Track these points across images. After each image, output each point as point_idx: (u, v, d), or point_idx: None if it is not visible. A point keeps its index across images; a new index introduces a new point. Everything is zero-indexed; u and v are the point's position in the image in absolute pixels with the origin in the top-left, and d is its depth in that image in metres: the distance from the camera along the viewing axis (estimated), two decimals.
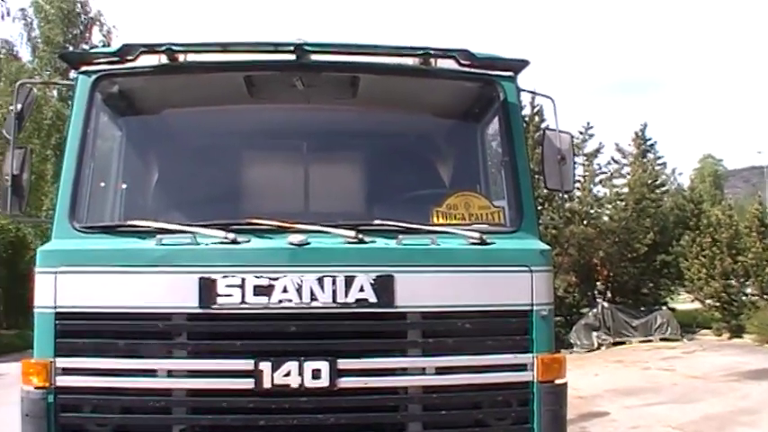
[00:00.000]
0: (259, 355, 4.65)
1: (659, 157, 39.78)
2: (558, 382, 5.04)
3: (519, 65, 5.54)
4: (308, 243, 4.79)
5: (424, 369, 4.87)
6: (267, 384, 4.63)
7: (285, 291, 4.66)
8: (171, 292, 4.72)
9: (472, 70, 5.45)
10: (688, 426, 13.78)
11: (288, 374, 4.63)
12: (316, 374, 4.65)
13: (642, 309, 33.11)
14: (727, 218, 32.93)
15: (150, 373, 4.75)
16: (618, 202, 36.05)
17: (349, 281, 4.71)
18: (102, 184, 5.87)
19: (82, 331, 4.78)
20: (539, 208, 5.39)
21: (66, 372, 4.76)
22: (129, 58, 5.26)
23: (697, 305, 36.15)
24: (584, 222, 33.70)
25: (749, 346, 27.94)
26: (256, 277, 4.67)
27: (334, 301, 4.69)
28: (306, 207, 5.80)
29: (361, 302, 4.72)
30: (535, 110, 28.14)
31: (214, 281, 4.67)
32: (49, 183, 36.65)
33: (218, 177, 6.00)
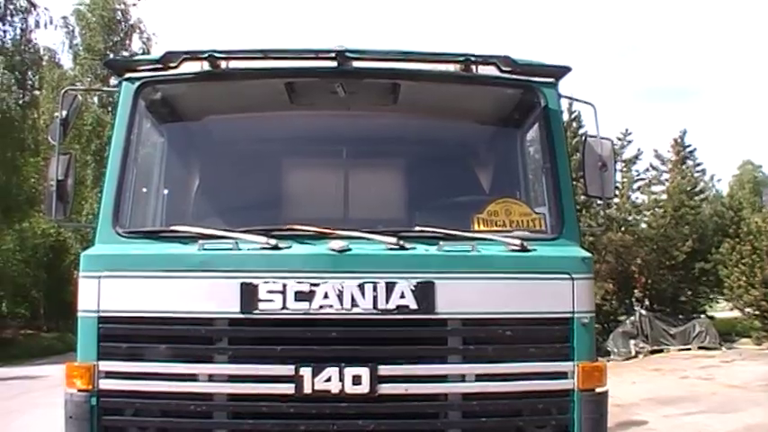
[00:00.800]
0: (300, 360, 4.67)
1: (698, 164, 39.41)
2: (598, 390, 4.99)
3: (560, 71, 5.51)
4: (349, 249, 4.80)
5: (464, 376, 4.85)
6: (308, 390, 4.64)
7: (326, 297, 4.68)
8: (212, 297, 4.76)
9: (513, 77, 5.43)
10: None
11: (328, 380, 4.64)
12: (356, 380, 4.65)
13: (680, 317, 32.76)
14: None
15: (191, 377, 4.79)
16: (656, 209, 35.80)
17: (390, 287, 4.71)
18: (145, 190, 5.94)
19: (124, 335, 4.83)
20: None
21: (109, 375, 4.81)
22: (172, 64, 5.29)
23: (736, 313, 35.68)
24: (622, 229, 33.48)
25: None
26: (298, 283, 4.69)
27: (374, 307, 4.70)
28: (345, 213, 5.80)
29: (401, 309, 4.72)
30: (572, 116, 28.01)
31: (256, 286, 4.69)
32: (89, 188, 37.22)
33: (259, 183, 6.03)
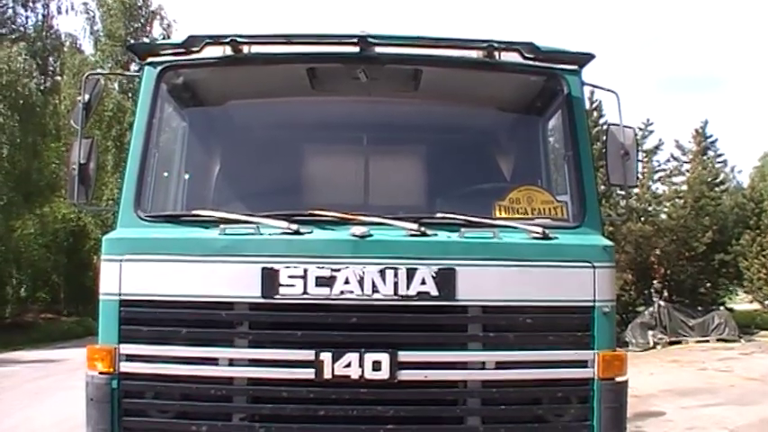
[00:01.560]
0: (320, 345, 4.68)
1: (719, 155, 39.13)
2: (618, 379, 4.97)
3: (584, 58, 5.48)
4: (371, 235, 4.80)
5: (483, 363, 4.85)
6: (327, 375, 4.66)
7: (347, 282, 4.68)
8: (233, 282, 4.77)
9: (536, 64, 5.40)
10: (745, 428, 13.54)
11: (348, 365, 4.65)
12: (376, 366, 4.65)
13: (699, 308, 32.60)
14: None
15: (212, 361, 4.81)
16: (676, 200, 35.60)
17: (411, 273, 4.71)
18: (166, 174, 5.95)
19: (146, 319, 4.85)
20: None
21: (130, 358, 4.84)
22: (195, 49, 5.30)
23: (756, 306, 35.52)
24: (642, 220, 33.34)
25: None
26: (318, 268, 4.69)
27: (395, 293, 4.69)
28: (366, 200, 5.79)
29: (422, 295, 4.71)
30: (593, 105, 27.85)
31: (277, 271, 4.70)
32: (110, 173, 37.41)
33: (280, 169, 6.03)
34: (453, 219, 5.01)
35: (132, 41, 35.54)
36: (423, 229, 4.87)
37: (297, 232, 4.82)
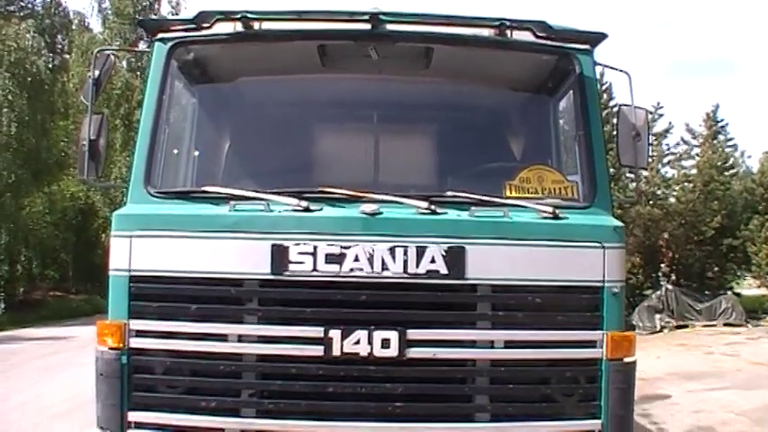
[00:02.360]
0: (329, 322, 4.68)
1: (730, 139, 38.97)
2: (627, 360, 4.97)
3: (596, 38, 5.44)
4: (381, 213, 4.80)
5: (492, 342, 4.85)
6: (336, 352, 4.66)
7: (357, 260, 4.68)
8: (243, 258, 4.77)
9: (548, 42, 5.37)
10: (752, 413, 13.52)
11: (357, 343, 4.66)
12: (385, 344, 4.66)
13: (707, 293, 32.57)
14: None
15: (221, 337, 4.82)
16: (686, 184, 35.50)
17: (420, 251, 4.70)
18: (176, 151, 5.95)
19: (155, 294, 4.85)
20: None
21: (140, 334, 4.85)
22: (205, 25, 5.29)
23: (763, 291, 35.45)
24: (651, 203, 33.25)
25: None
26: (328, 245, 4.69)
27: (405, 271, 4.69)
28: (376, 178, 5.77)
29: (431, 273, 4.71)
30: (604, 87, 27.73)
31: (286, 248, 4.70)
32: (118, 152, 37.45)
33: (290, 146, 6.01)
34: (463, 197, 5.00)
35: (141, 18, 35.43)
36: (433, 207, 4.86)
37: (307, 209, 4.81)
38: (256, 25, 5.30)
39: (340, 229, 4.76)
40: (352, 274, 4.68)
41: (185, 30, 5.43)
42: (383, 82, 5.96)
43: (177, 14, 42.16)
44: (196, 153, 6.15)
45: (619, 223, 5.14)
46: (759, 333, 28.22)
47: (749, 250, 34.44)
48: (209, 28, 5.30)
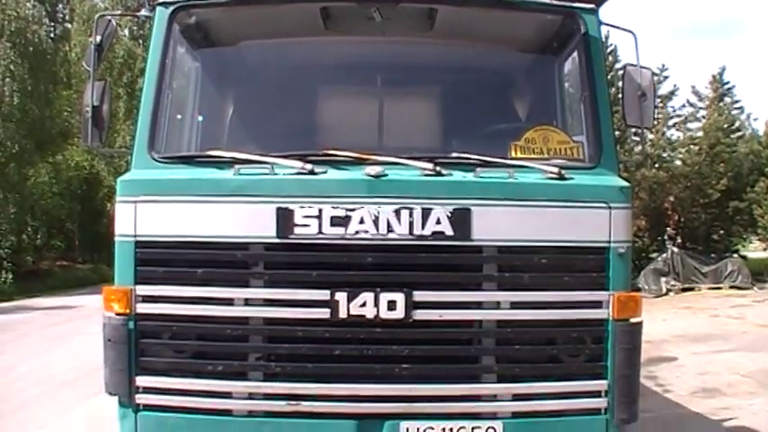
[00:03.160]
0: (335, 285, 4.68)
1: (736, 101, 38.76)
2: (633, 320, 4.96)
3: None
4: (386, 175, 4.77)
5: (498, 303, 4.84)
6: (343, 314, 4.66)
7: (362, 222, 4.66)
8: (248, 222, 4.75)
9: (553, 2, 5.34)
10: (757, 374, 13.59)
11: (363, 305, 4.65)
12: (391, 306, 4.65)
13: (712, 255, 32.60)
14: None
15: (227, 301, 4.82)
16: (691, 147, 35.40)
17: (426, 213, 4.68)
18: (180, 116, 5.92)
19: (161, 260, 4.85)
20: None
21: (146, 299, 4.86)
22: None
23: None
24: (656, 166, 33.17)
25: None
26: (333, 208, 4.67)
27: (410, 233, 4.67)
28: (380, 141, 5.74)
29: (437, 235, 4.69)
30: (609, 50, 27.55)
31: (291, 211, 4.68)
32: (121, 120, 37.39)
33: (293, 110, 5.98)
34: (469, 159, 4.96)
35: None
36: (438, 168, 4.83)
37: (311, 172, 4.79)
38: None
39: (345, 191, 4.74)
40: (358, 236, 4.67)
41: None
42: (387, 44, 5.90)
43: None
44: (200, 118, 6.13)
45: (625, 183, 5.11)
46: (765, 296, 28.29)
47: (755, 213, 34.40)
48: None
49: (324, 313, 4.69)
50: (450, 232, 4.69)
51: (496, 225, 4.77)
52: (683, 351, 16.39)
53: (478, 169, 4.90)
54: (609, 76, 20.57)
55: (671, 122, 37.32)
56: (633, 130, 25.04)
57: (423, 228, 4.67)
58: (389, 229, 4.66)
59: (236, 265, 4.83)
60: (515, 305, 4.83)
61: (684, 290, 30.12)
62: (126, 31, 40.98)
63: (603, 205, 4.89)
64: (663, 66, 35.08)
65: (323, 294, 4.69)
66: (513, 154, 5.18)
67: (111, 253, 4.98)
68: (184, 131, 6.05)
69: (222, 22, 5.81)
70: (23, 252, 37.69)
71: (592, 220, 4.88)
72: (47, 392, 12.26)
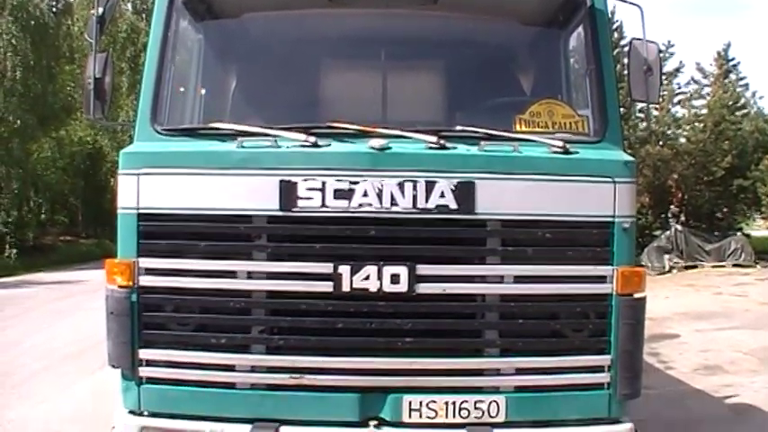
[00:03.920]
0: (338, 258, 4.66)
1: (741, 78, 38.59)
2: (637, 295, 4.94)
3: None
4: (389, 148, 4.73)
5: (502, 277, 4.82)
6: (346, 288, 4.65)
7: (365, 195, 4.63)
8: (252, 195, 4.73)
9: None
10: (759, 351, 13.64)
11: (367, 278, 4.64)
12: (394, 279, 4.64)
13: (716, 233, 32.63)
14: None
15: (230, 274, 4.80)
16: (696, 124, 35.32)
17: (429, 186, 4.65)
18: (183, 89, 5.89)
19: (164, 232, 4.83)
20: None
21: (149, 272, 4.85)
22: None
23: None
24: (661, 143, 33.08)
25: None
26: (337, 181, 4.64)
27: (414, 206, 4.65)
28: (384, 114, 5.70)
29: (441, 208, 4.66)
30: (615, 25, 27.40)
31: (295, 184, 4.66)
32: (124, 95, 37.32)
33: (297, 82, 5.93)
34: (473, 132, 4.92)
35: None
36: (442, 142, 4.80)
37: (315, 145, 4.76)
38: None
39: (348, 164, 4.71)
40: (361, 209, 4.64)
41: None
42: (390, 17, 5.83)
43: None
44: (203, 91, 6.09)
45: (629, 158, 5.08)
46: None
47: (759, 191, 34.35)
48: None
49: (327, 286, 4.68)
50: (453, 206, 4.67)
51: (500, 199, 4.74)
52: (685, 328, 16.44)
53: (483, 143, 4.86)
54: (615, 53, 20.56)
55: (676, 99, 37.22)
56: (638, 107, 25.02)
57: (426, 201, 4.65)
58: (393, 203, 4.64)
59: (238, 238, 4.82)
60: (519, 279, 4.82)
61: (687, 267, 30.15)
62: (129, 5, 40.80)
63: (608, 180, 4.86)
64: (669, 42, 34.94)
65: (326, 267, 4.67)
66: (518, 128, 5.16)
67: (115, 228, 4.95)
68: (187, 104, 6.01)
69: None
70: (27, 227, 37.79)
71: (596, 194, 4.85)
72: (50, 367, 12.33)
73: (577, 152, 4.94)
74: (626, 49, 5.89)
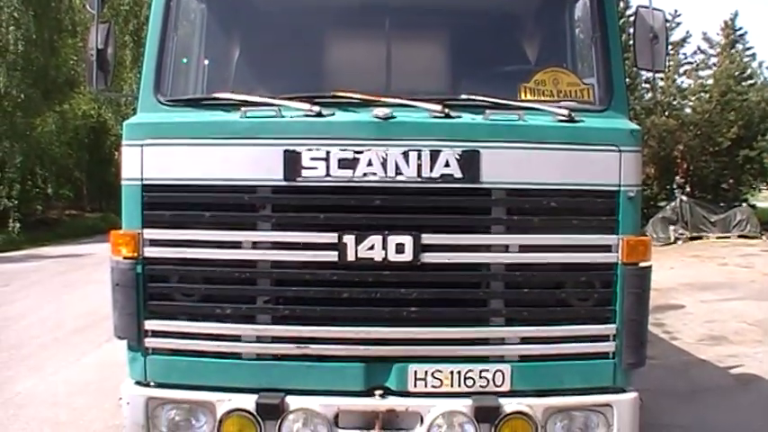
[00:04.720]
0: (343, 228, 4.64)
1: (748, 48, 38.30)
2: (642, 264, 4.92)
3: None
4: (394, 117, 4.70)
5: (507, 246, 4.81)
6: (351, 257, 4.64)
7: (370, 164, 4.60)
8: (256, 165, 4.71)
9: None
10: (764, 322, 13.69)
11: (371, 248, 4.63)
12: (399, 249, 4.63)
13: (721, 204, 32.57)
14: None
15: (235, 244, 4.80)
16: (702, 94, 35.10)
17: (434, 155, 4.62)
18: (185, 60, 5.85)
19: (168, 203, 4.82)
20: None
21: (154, 243, 4.84)
22: None
23: None
24: (666, 114, 32.94)
25: None
26: (341, 150, 4.61)
27: (418, 175, 4.62)
28: (389, 83, 5.66)
29: (445, 177, 4.64)
30: None
31: (299, 153, 4.64)
32: (128, 69, 37.20)
33: (300, 52, 5.87)
34: (478, 101, 4.89)
35: None
36: (447, 110, 4.77)
37: (319, 114, 4.73)
38: None
39: (353, 133, 4.67)
40: (366, 178, 4.62)
41: None
42: None
43: None
44: (206, 61, 6.06)
45: (635, 126, 5.04)
46: None
47: (765, 162, 34.25)
48: None
49: (332, 256, 4.67)
50: (458, 174, 4.64)
51: (505, 167, 4.71)
52: (690, 299, 16.46)
53: (488, 111, 4.83)
54: (620, 23, 20.43)
55: (682, 70, 37.00)
56: (644, 77, 24.90)
57: (431, 170, 4.62)
58: (398, 172, 4.61)
59: (243, 208, 4.81)
60: (524, 248, 4.80)
61: (692, 239, 30.13)
62: None
63: (614, 148, 4.82)
64: (675, 11, 34.69)
65: (331, 237, 4.66)
66: (523, 96, 5.12)
67: (120, 201, 4.94)
68: (190, 75, 5.98)
69: None
70: (32, 201, 37.84)
71: (602, 162, 4.82)
72: (58, 339, 12.43)
73: (583, 121, 4.91)
74: (632, 18, 5.82)
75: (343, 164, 4.61)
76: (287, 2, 6.06)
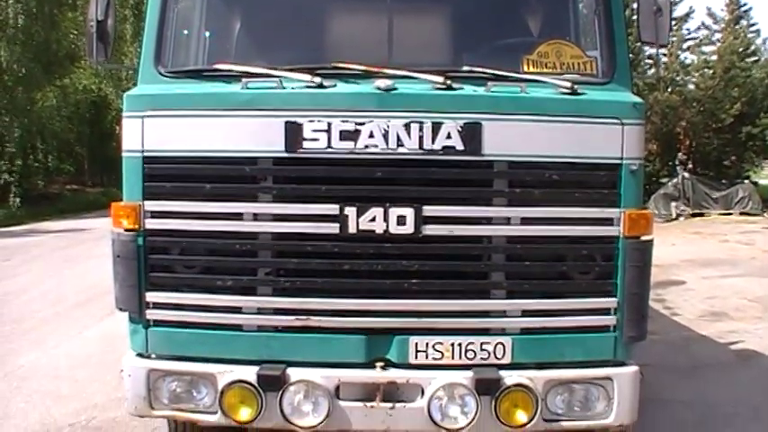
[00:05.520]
0: (344, 200, 4.63)
1: (753, 24, 38.11)
2: (644, 238, 4.91)
3: None
4: (395, 88, 4.67)
5: (508, 219, 4.79)
6: (352, 229, 4.63)
7: (371, 136, 4.57)
8: (257, 136, 4.69)
9: None
10: (764, 299, 13.74)
11: (373, 220, 4.61)
12: (401, 221, 4.62)
13: (723, 181, 32.55)
14: None
15: (236, 216, 4.79)
16: (705, 70, 34.93)
17: (436, 127, 4.60)
18: (186, 30, 5.81)
19: (169, 175, 4.80)
20: None
21: (155, 215, 4.83)
22: None
23: None
24: (669, 90, 32.81)
25: None
26: (342, 122, 4.58)
27: (420, 147, 4.59)
28: (390, 54, 5.61)
29: (447, 150, 4.61)
30: None
31: (300, 125, 4.61)
32: (128, 43, 37.04)
33: (301, 23, 5.82)
34: (480, 72, 4.86)
35: None
36: (449, 82, 4.74)
37: (320, 86, 4.71)
38: None
39: (354, 104, 4.65)
40: (367, 150, 4.59)
41: None
42: None
43: None
44: (206, 32, 6.01)
45: (638, 99, 5.01)
46: None
47: None
48: None
49: (333, 228, 4.66)
50: (460, 147, 4.62)
51: (508, 140, 4.69)
52: (691, 275, 16.50)
53: (490, 83, 4.80)
54: None
55: (685, 45, 36.82)
56: (647, 53, 24.75)
57: (433, 142, 4.60)
58: (399, 144, 4.58)
59: (244, 180, 4.79)
60: (526, 221, 4.79)
61: (694, 215, 30.14)
62: None
63: (616, 121, 4.79)
64: None
65: (332, 209, 4.65)
66: (526, 68, 5.09)
67: (121, 175, 4.93)
68: (191, 46, 5.94)
69: None
70: (33, 176, 37.82)
71: (604, 135, 4.80)
72: (60, 313, 12.47)
73: (585, 93, 4.88)
74: None
75: (345, 135, 4.59)
76: None
